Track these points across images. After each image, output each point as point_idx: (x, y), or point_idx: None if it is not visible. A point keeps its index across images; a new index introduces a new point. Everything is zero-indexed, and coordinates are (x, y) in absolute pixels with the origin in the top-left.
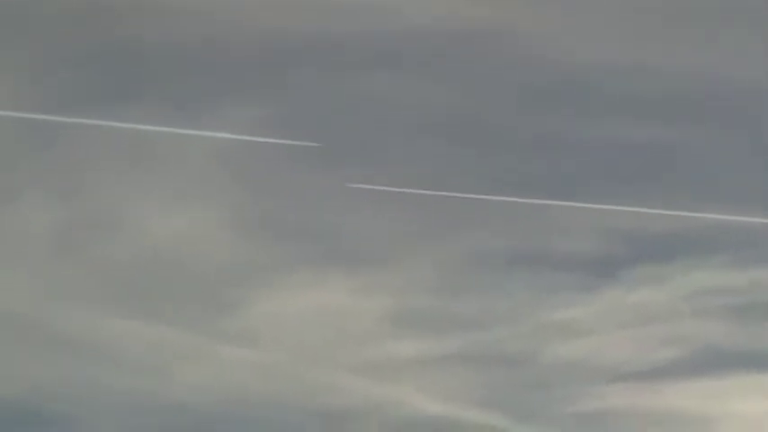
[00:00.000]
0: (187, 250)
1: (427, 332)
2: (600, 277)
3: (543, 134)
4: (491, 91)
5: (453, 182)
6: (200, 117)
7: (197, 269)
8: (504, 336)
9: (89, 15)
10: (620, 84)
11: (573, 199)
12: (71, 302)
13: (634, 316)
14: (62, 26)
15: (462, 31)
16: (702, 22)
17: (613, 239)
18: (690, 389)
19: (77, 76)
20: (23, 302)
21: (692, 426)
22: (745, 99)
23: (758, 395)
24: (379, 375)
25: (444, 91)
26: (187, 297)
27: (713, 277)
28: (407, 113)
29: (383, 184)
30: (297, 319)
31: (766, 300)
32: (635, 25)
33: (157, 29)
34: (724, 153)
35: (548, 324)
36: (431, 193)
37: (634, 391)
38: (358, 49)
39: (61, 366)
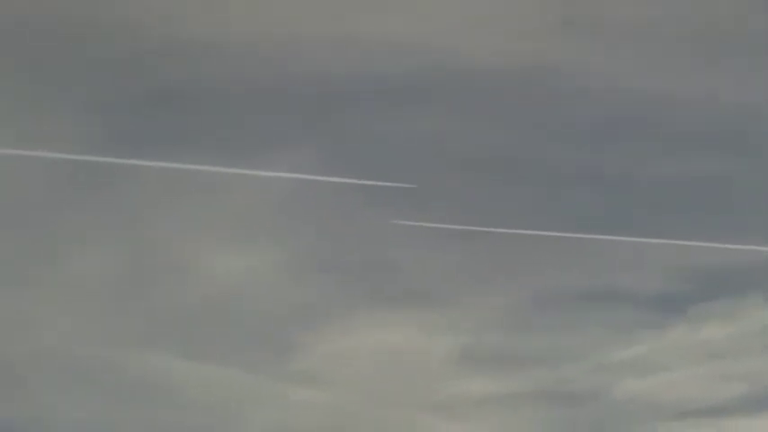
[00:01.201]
0: (252, 292)
1: (496, 371)
2: (669, 313)
3: (608, 171)
4: (554, 128)
5: (519, 219)
6: (255, 158)
7: (262, 311)
8: (574, 374)
9: (145, 58)
10: (684, 116)
11: (641, 235)
12: (137, 347)
13: (703, 352)
14: (122, 68)
15: (519, 68)
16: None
17: (683, 275)
18: (758, 425)
19: (137, 119)
20: (90, 347)
21: None
22: None
23: None
24: (450, 414)
25: (504, 130)
26: (253, 339)
27: None
28: (470, 151)
29: (448, 223)
30: (364, 360)
31: None
32: (681, 56)
33: (213, 71)
34: None
35: (617, 361)
36: (498, 230)
37: (702, 428)
38: (407, 88)
39: (130, 410)
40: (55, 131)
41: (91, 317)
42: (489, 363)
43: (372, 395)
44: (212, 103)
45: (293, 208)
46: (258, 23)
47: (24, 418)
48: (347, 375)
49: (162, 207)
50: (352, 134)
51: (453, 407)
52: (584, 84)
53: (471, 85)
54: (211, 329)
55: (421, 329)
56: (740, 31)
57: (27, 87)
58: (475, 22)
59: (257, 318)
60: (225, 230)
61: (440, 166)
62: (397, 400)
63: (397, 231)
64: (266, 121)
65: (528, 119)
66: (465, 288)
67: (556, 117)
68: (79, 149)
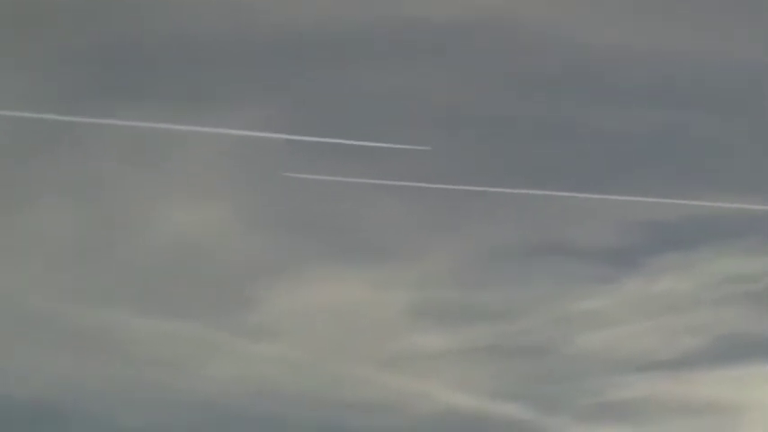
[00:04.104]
0: (206, 247)
1: (450, 325)
2: (622, 267)
3: (558, 124)
4: (502, 81)
5: (469, 174)
6: (211, 114)
7: (217, 266)
8: (528, 327)
9: (97, 11)
10: (634, 70)
11: (591, 190)
12: (91, 301)
13: (657, 305)
14: (69, 22)
15: (471, 20)
16: (709, 4)
17: (635, 229)
18: (715, 377)
19: (85, 73)
20: (44, 302)
21: (718, 414)
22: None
23: None
24: (403, 369)
25: (454, 82)
26: (208, 293)
27: (736, 264)
28: (419, 105)
29: (398, 179)
30: (319, 314)
31: None
32: (639, 9)
33: (166, 23)
34: (743, 139)
35: (571, 315)
36: (448, 186)
37: (659, 381)
38: (361, 40)
39: (83, 365)
40: (6, 88)
41: (48, 272)
42: (444, 317)
43: (327, 350)
44: (177, 55)
45: (251, 165)
46: None
47: None
48: (302, 330)
49: (119, 163)
50: (307, 89)
51: (408, 362)
52: (540, 35)
53: (428, 37)
54: (167, 285)
55: (375, 284)
56: None
57: None
58: None
59: (214, 273)
60: (183, 187)
61: (395, 122)
62: (353, 355)
63: (350, 188)
64: (230, 75)
65: (482, 71)
66: (418, 243)
67: (509, 70)
68: (34, 107)
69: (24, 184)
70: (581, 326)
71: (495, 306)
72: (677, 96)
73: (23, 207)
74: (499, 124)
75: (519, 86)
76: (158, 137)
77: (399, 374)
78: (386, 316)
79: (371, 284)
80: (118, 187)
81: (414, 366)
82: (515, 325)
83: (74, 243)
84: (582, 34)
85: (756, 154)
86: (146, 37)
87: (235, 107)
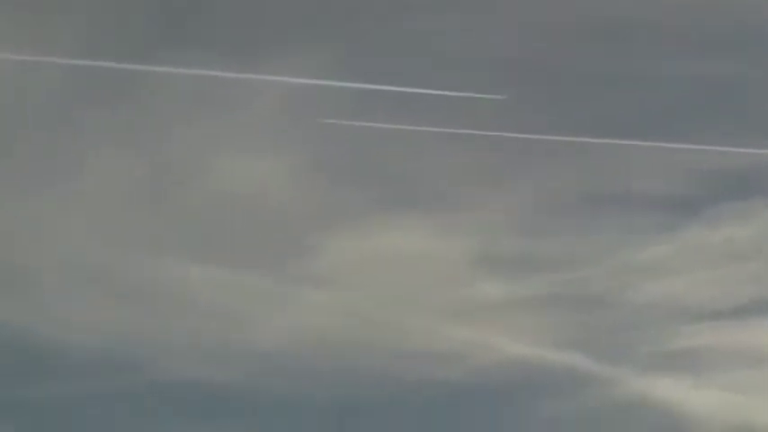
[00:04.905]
0: (266, 196)
1: (510, 274)
2: (683, 216)
3: (621, 73)
4: (561, 30)
5: (530, 123)
6: (270, 62)
7: (277, 215)
8: (589, 276)
9: None
10: (701, 20)
11: (652, 138)
12: (150, 251)
13: (718, 254)
14: None
15: None
16: None
17: (694, 178)
18: None
19: (142, 22)
20: (103, 252)
21: None
22: None
23: None
24: (464, 318)
25: (514, 31)
26: (268, 243)
27: None
28: (480, 54)
29: (458, 127)
30: (379, 263)
31: None
32: None
33: None
34: None
35: (632, 264)
36: (509, 135)
37: (720, 330)
38: None
39: (141, 314)
40: (62, 36)
41: (105, 223)
42: (504, 266)
43: (388, 299)
44: (227, 4)
45: (310, 114)
46: None
47: (38, 323)
48: (361, 279)
49: (177, 113)
50: (363, 37)
51: (469, 311)
52: None
53: None
54: (225, 234)
55: (436, 234)
56: None
57: None
58: None
59: (272, 222)
60: (242, 136)
61: (455, 69)
62: (413, 305)
63: (410, 136)
64: (288, 22)
65: (537, 19)
66: (479, 192)
67: (567, 17)
68: (90, 55)
69: (83, 133)
70: (642, 275)
71: (556, 255)
72: (742, 47)
73: (83, 157)
74: (561, 74)
75: (582, 36)
76: (217, 85)
77: (460, 324)
78: (447, 265)
79: (432, 233)
80: (176, 137)
81: (475, 316)
82: (576, 274)
83: (132, 193)
84: None
85: None
86: None
87: (295, 54)
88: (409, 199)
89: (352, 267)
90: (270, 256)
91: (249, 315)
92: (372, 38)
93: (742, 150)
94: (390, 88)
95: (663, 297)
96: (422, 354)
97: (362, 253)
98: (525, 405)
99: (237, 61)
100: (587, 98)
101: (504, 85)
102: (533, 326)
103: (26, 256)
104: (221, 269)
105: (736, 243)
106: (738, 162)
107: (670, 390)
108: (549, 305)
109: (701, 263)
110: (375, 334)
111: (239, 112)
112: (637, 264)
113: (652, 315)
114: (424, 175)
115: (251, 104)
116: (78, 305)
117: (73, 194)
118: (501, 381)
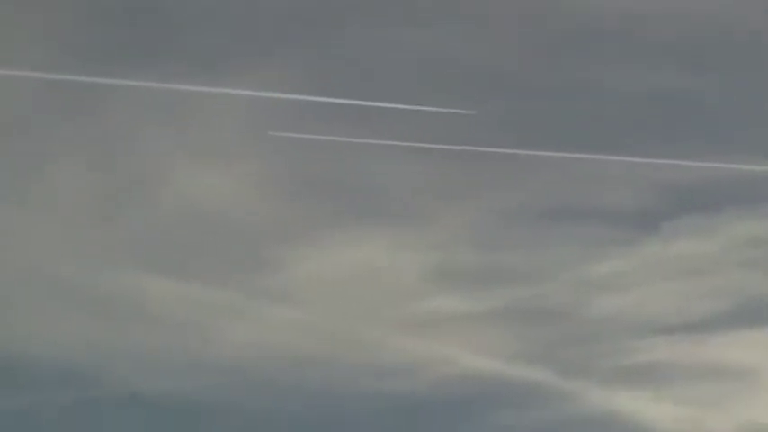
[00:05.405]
0: (226, 211)
1: (469, 288)
2: (642, 230)
3: (578, 86)
4: (522, 42)
5: (486, 137)
6: (229, 75)
7: (236, 229)
8: (547, 290)
9: None
10: (661, 31)
11: (611, 152)
12: (110, 265)
13: (677, 268)
14: None
15: None
16: None
17: (653, 192)
18: (734, 340)
19: (103, 35)
20: (63, 264)
21: (736, 377)
22: None
23: None
24: (423, 332)
25: (470, 44)
26: (226, 256)
27: (755, 228)
28: (437, 67)
29: (415, 141)
30: (338, 277)
31: None
32: None
33: None
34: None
35: (590, 278)
36: (466, 148)
37: (678, 344)
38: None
39: (105, 327)
40: (24, 49)
41: (65, 234)
42: (462, 280)
43: (345, 312)
44: (194, 16)
45: (269, 126)
46: None
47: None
48: (319, 292)
49: (138, 125)
50: (325, 51)
51: (427, 325)
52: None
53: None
54: (185, 247)
55: (394, 247)
56: None
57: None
58: None
59: (230, 236)
60: (201, 149)
61: (412, 83)
62: (372, 319)
63: (367, 150)
64: (250, 35)
65: (494, 33)
66: (436, 206)
67: (523, 31)
68: (50, 68)
69: (43, 146)
70: (600, 289)
71: (515, 269)
72: (701, 58)
73: (43, 170)
74: (517, 87)
75: (539, 50)
76: (178, 98)
77: (418, 338)
78: (405, 279)
79: (391, 247)
80: (136, 149)
81: (433, 330)
82: (535, 288)
83: (92, 206)
84: None
85: None
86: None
87: (252, 68)
88: (369, 213)
89: (312, 281)
90: (229, 269)
91: (208, 328)
92: (338, 51)
93: (701, 165)
94: (352, 102)
95: (621, 311)
96: (380, 367)
97: (322, 267)
98: (484, 418)
99: (199, 75)
100: (547, 112)
101: (466, 98)
102: (492, 339)
103: None
104: (181, 282)
105: (694, 258)
106: (697, 176)
107: (628, 403)
108: (508, 319)
109: (659, 277)
110: (334, 347)
111: (200, 126)
112: (595, 278)
113: (610, 329)
114: (383, 188)
115: (211, 118)
116: (39, 318)
117: (33, 208)
118: (459, 394)
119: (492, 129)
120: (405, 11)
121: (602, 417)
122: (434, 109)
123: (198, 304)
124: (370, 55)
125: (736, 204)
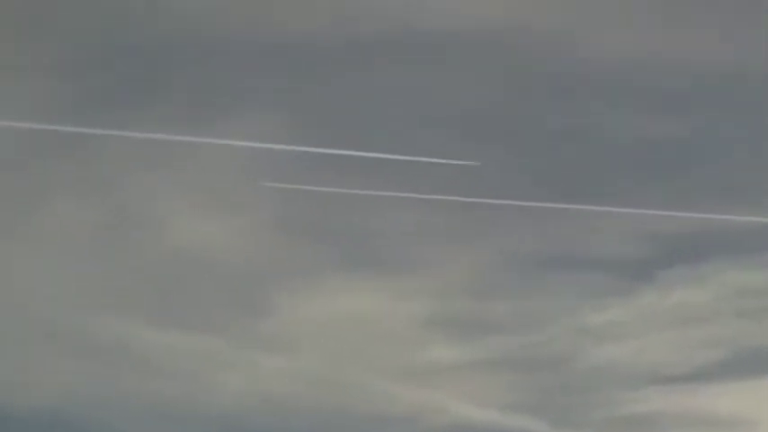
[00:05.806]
0: (219, 257)
1: (465, 337)
2: (636, 280)
3: (571, 137)
4: (521, 89)
5: (485, 187)
6: (226, 124)
7: (231, 277)
8: (543, 339)
9: (104, 20)
10: (651, 82)
11: (606, 203)
12: (103, 312)
13: (672, 318)
14: (78, 34)
15: (478, 30)
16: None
17: (648, 242)
18: (730, 390)
19: (94, 84)
20: (55, 311)
21: (732, 428)
22: None
23: None
24: (419, 381)
25: (464, 90)
26: (222, 304)
27: (749, 278)
28: (434, 115)
29: (414, 192)
30: (334, 325)
31: None
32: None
33: (174, 33)
34: (758, 153)
35: (586, 327)
36: (463, 199)
37: (673, 394)
38: (371, 49)
39: (95, 374)
40: (14, 96)
41: (57, 282)
42: (458, 329)
43: (342, 361)
44: (182, 65)
45: (264, 175)
46: None
47: None
48: (315, 341)
49: (130, 173)
50: (315, 98)
51: (423, 374)
52: (545, 44)
53: (435, 46)
54: (179, 295)
55: (391, 296)
56: None
57: None
58: None
59: (226, 283)
60: (197, 197)
61: (409, 132)
62: (368, 367)
63: (364, 199)
64: (238, 85)
65: (491, 80)
66: (433, 255)
67: (520, 78)
68: (42, 116)
69: (35, 195)
70: (596, 338)
71: (511, 318)
72: (699, 109)
73: (37, 219)
74: (512, 137)
75: (530, 99)
76: (173, 147)
77: (414, 386)
78: (402, 327)
79: (387, 296)
80: (132, 198)
81: (429, 378)
82: (530, 337)
83: (86, 253)
84: (604, 45)
85: None
86: (153, 47)
87: (251, 117)
88: (364, 261)
89: (307, 329)
90: (224, 316)
91: (203, 377)
92: (336, 101)
93: (697, 216)
94: (351, 153)
95: (616, 361)
96: (374, 416)
97: (317, 314)
98: None
99: (198, 124)
100: (540, 162)
101: (458, 149)
102: (487, 389)
103: None
104: (175, 330)
105: (689, 307)
106: (693, 226)
107: None
108: (503, 368)
109: (654, 326)
110: (329, 395)
111: (196, 174)
112: (591, 327)
113: (605, 379)
114: (379, 237)
115: (209, 166)
116: (30, 365)
117: (26, 254)
118: None
119: (488, 179)
120: (400, 60)
121: None
122: (431, 160)
123: (190, 352)
124: (367, 105)
125: (728, 254)
